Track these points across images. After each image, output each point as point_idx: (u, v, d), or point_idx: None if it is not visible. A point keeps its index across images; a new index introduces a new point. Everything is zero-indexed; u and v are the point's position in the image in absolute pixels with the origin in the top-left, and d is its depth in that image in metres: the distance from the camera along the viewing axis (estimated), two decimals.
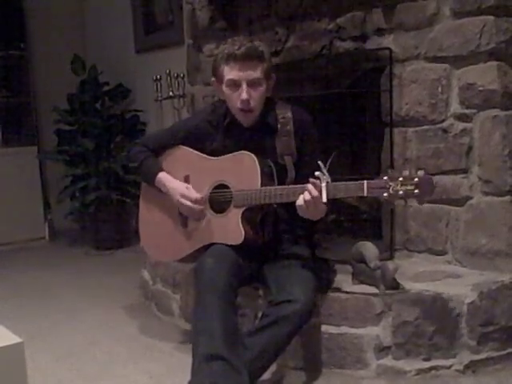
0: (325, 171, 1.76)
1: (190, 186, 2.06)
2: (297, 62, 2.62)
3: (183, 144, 2.15)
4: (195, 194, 2.02)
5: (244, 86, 1.92)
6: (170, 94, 3.78)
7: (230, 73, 1.93)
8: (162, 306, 2.70)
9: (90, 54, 4.68)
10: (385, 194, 1.69)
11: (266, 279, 2.00)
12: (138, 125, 4.36)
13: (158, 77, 3.83)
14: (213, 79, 2.04)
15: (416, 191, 1.67)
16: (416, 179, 1.67)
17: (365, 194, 1.71)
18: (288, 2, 2.60)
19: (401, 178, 1.68)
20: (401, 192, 1.68)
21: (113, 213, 4.16)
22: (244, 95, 1.92)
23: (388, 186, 1.69)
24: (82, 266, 3.79)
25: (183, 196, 2.03)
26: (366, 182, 1.71)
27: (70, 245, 4.45)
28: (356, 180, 1.74)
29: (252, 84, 1.93)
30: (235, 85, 1.94)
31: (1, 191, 4.32)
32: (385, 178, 1.70)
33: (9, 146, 4.46)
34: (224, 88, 1.98)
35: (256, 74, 1.92)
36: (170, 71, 3.74)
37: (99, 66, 4.30)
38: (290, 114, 2.03)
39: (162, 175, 2.11)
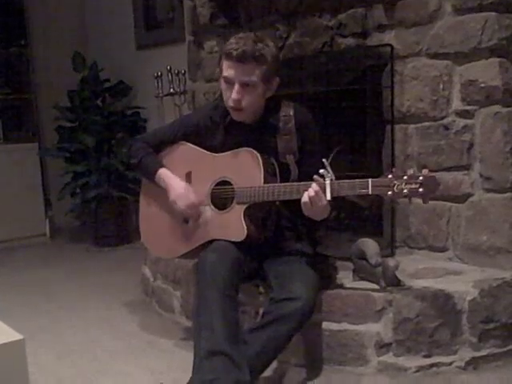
0: (329, 169, 1.76)
1: (189, 186, 2.05)
2: (298, 58, 2.62)
3: (184, 140, 2.14)
4: (191, 199, 2.01)
5: (236, 86, 1.90)
6: (171, 90, 3.77)
7: (226, 70, 1.92)
8: (162, 302, 2.70)
9: (90, 51, 4.66)
10: (389, 193, 1.69)
11: (267, 276, 2.00)
12: (139, 121, 4.35)
13: (159, 73, 3.82)
14: (218, 70, 2.02)
15: (420, 190, 1.67)
16: (420, 178, 1.67)
17: (369, 193, 1.71)
18: None
19: (405, 177, 1.68)
20: (405, 191, 1.68)
21: (113, 209, 4.16)
22: (234, 95, 1.91)
23: (393, 185, 1.69)
24: (83, 262, 3.79)
25: (178, 197, 2.02)
26: (370, 180, 1.71)
27: (70, 242, 4.44)
28: (358, 177, 1.74)
29: (245, 85, 1.90)
30: (229, 82, 1.92)
31: (1, 188, 4.31)
32: (389, 176, 1.70)
33: (9, 142, 4.44)
34: (221, 82, 1.97)
35: (250, 77, 1.88)
36: (170, 68, 3.73)
37: (100, 63, 4.29)
38: (292, 113, 2.02)
39: (163, 171, 2.10)
